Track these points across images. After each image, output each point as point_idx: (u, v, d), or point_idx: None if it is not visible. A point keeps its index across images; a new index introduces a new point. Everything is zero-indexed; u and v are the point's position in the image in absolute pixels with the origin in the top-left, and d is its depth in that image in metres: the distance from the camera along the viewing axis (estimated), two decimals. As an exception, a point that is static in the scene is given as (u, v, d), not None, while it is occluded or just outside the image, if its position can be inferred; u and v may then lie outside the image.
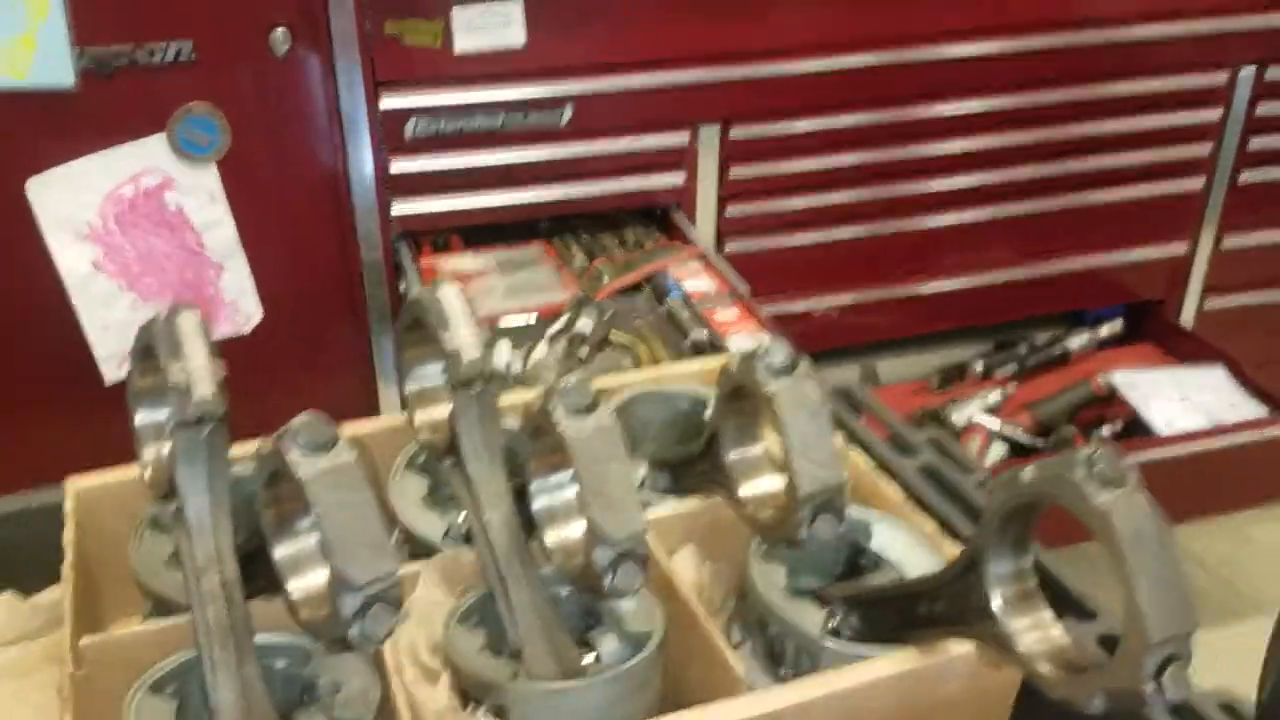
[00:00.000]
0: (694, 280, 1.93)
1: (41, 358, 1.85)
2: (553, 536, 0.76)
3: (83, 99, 1.71)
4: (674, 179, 2.07)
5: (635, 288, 1.92)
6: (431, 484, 0.91)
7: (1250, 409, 2.13)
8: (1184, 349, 2.33)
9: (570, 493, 0.74)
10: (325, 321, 2.01)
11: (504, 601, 0.75)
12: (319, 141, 1.88)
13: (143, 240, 1.85)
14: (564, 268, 1.98)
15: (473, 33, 1.87)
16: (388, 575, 0.62)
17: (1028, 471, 0.63)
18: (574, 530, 0.74)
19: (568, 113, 1.96)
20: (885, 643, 0.75)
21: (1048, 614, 0.67)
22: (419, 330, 0.79)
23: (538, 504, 0.76)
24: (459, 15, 1.85)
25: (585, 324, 1.78)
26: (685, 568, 0.84)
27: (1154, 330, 2.42)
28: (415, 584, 0.79)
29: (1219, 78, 2.26)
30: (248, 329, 1.96)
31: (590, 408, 0.70)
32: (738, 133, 2.07)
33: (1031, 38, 2.16)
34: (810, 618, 0.78)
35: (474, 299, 1.83)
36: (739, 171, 2.10)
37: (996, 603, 0.66)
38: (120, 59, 1.72)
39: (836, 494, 0.72)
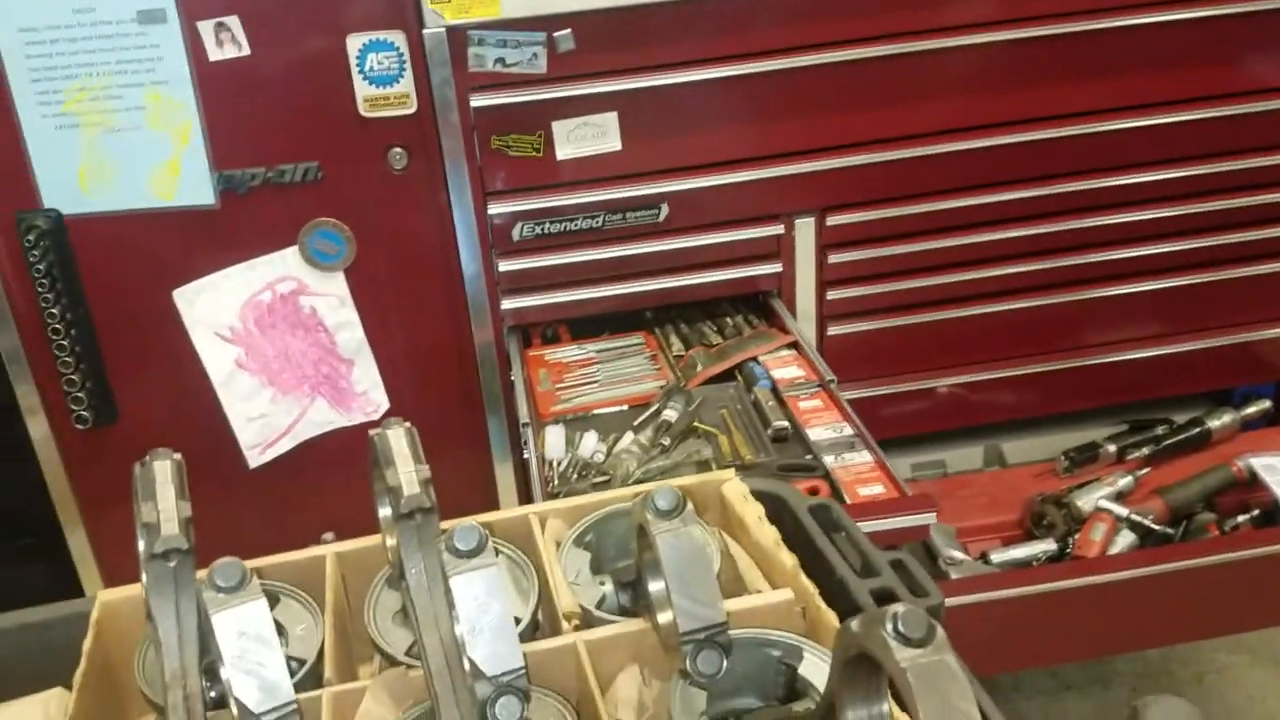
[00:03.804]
0: (783, 368, 1.96)
1: (192, 448, 2.08)
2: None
3: (222, 216, 1.94)
4: (772, 268, 2.12)
5: (728, 375, 1.98)
6: (403, 601, 0.99)
7: None
8: (1337, 431, 2.16)
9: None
10: (445, 409, 2.16)
11: (437, 717, 0.83)
12: (434, 246, 2.04)
13: (280, 340, 2.06)
14: (660, 356, 2.05)
15: (572, 142, 1.99)
16: (282, 706, 0.71)
17: (854, 623, 0.66)
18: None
19: (664, 210, 2.05)
20: (791, 774, 0.78)
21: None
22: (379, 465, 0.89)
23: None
24: (558, 128, 1.98)
25: (671, 413, 1.84)
26: (627, 687, 0.89)
27: (1305, 411, 2.25)
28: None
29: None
30: (377, 417, 2.14)
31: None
32: (834, 220, 2.10)
33: (1159, 114, 2.10)
34: (722, 744, 0.81)
35: (572, 389, 1.95)
36: (838, 258, 2.13)
37: (849, 749, 0.69)
38: (255, 179, 1.94)
39: (717, 631, 0.75)
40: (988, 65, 2.04)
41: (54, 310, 1.97)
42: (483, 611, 0.73)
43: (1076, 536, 2.08)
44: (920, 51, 1.99)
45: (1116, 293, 2.25)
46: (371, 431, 0.88)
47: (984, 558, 2.09)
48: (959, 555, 2.09)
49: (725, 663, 0.77)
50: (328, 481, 2.13)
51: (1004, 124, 2.08)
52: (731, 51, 1.96)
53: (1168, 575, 1.83)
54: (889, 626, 0.62)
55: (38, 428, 2.09)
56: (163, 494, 0.82)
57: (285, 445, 2.11)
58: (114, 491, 2.12)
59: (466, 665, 0.75)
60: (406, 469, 0.85)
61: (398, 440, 0.86)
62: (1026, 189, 2.13)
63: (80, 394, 2.02)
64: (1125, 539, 2.08)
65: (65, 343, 1.98)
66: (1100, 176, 2.15)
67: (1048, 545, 2.09)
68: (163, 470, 0.83)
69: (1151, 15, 2.02)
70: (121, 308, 2.00)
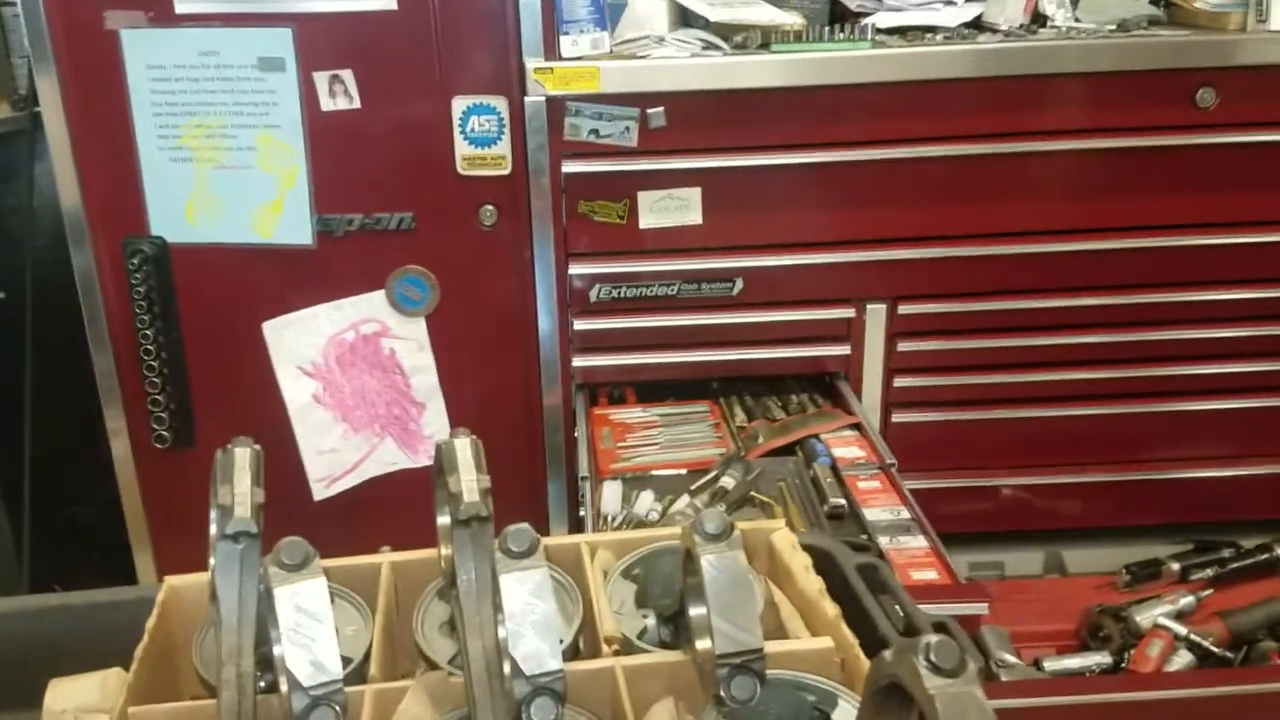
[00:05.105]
0: (845, 448, 1.97)
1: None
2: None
3: (317, 256, 2.03)
4: (840, 350, 2.15)
5: (788, 449, 1.99)
6: (451, 612, 1.02)
7: None
8: None
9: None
10: (506, 460, 2.20)
11: (474, 722, 0.85)
12: (514, 301, 2.11)
13: (358, 379, 2.13)
14: (723, 426, 2.08)
15: (655, 213, 2.06)
16: (330, 683, 0.74)
17: (888, 653, 0.67)
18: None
19: (739, 285, 2.09)
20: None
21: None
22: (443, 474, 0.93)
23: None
24: (643, 198, 2.05)
25: (729, 480, 1.86)
26: (661, 718, 0.91)
27: (1381, 546, 2.18)
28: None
29: None
30: (440, 463, 2.19)
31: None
32: (906, 309, 2.12)
33: (1242, 233, 2.12)
34: (748, 779, 0.82)
35: (633, 449, 1.98)
36: (907, 346, 2.14)
37: (875, 782, 0.69)
38: (351, 225, 2.03)
39: (754, 658, 0.77)
40: (1073, 172, 2.07)
41: (148, 332, 2.07)
42: (528, 611, 0.76)
43: (1132, 652, 2.03)
44: (1005, 154, 2.03)
45: (1191, 408, 2.23)
46: (438, 439, 0.92)
47: (1036, 664, 2.05)
48: (1011, 659, 2.04)
49: (759, 690, 0.78)
50: (387, 521, 2.16)
51: (1085, 230, 2.10)
52: (818, 140, 2.02)
53: (1226, 698, 1.77)
54: (922, 655, 0.64)
55: (120, 447, 2.18)
56: (239, 479, 0.87)
57: (350, 481, 2.17)
58: (183, 516, 2.19)
59: (507, 667, 0.77)
60: (468, 477, 0.88)
61: (463, 450, 0.91)
62: (1104, 296, 2.14)
63: (163, 414, 2.11)
64: (1182, 658, 2.02)
65: (155, 364, 2.08)
66: (1180, 290, 2.15)
67: (1102, 658, 2.04)
68: (243, 457, 0.88)
69: (1236, 135, 2.03)
70: (212, 335, 2.09)
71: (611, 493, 1.84)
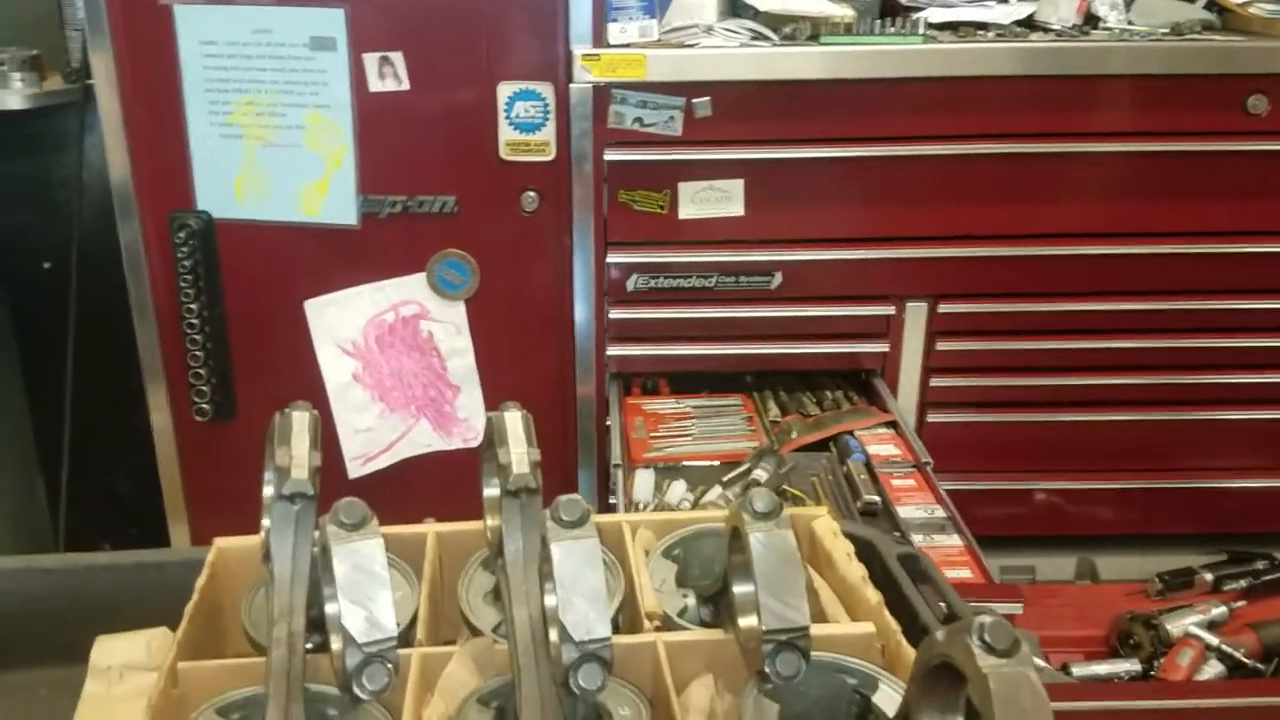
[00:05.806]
0: (879, 445, 1.97)
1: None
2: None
3: (360, 237, 2.05)
4: (878, 347, 2.14)
5: (822, 445, 1.99)
6: (495, 582, 1.03)
7: None
8: None
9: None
10: (538, 446, 2.21)
11: (517, 691, 0.86)
12: (552, 287, 2.12)
13: (396, 360, 2.14)
14: (756, 420, 2.08)
15: (696, 204, 2.06)
16: (385, 640, 0.75)
17: (939, 633, 0.67)
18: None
19: (778, 278, 2.09)
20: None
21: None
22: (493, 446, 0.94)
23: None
24: (685, 188, 2.05)
25: (761, 473, 1.86)
26: (700, 694, 0.91)
27: None
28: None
29: None
30: (475, 444, 2.20)
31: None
32: (946, 308, 2.11)
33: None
34: (790, 758, 0.82)
35: (666, 439, 1.98)
36: (946, 345, 2.14)
37: (922, 761, 0.69)
38: (395, 206, 2.05)
39: (799, 635, 0.77)
40: (1120, 175, 2.06)
41: (192, 306, 2.09)
42: (578, 579, 0.77)
43: (1162, 660, 2.01)
44: (1052, 154, 2.02)
45: (1230, 417, 2.21)
46: (489, 413, 0.93)
47: (1065, 669, 2.04)
48: (1040, 663, 2.03)
49: (804, 667, 0.78)
50: (418, 501, 2.18)
51: (1130, 234, 2.09)
52: (864, 134, 2.01)
53: (1256, 709, 1.76)
54: (975, 635, 0.64)
55: (160, 419, 2.21)
56: (297, 441, 0.88)
57: (385, 461, 2.19)
58: (220, 488, 2.22)
59: (554, 634, 0.78)
60: (519, 450, 0.89)
61: (514, 423, 0.92)
62: (1147, 301, 2.13)
63: (205, 387, 2.13)
64: (1213, 669, 2.01)
65: (198, 337, 2.10)
66: (1224, 298, 2.13)
67: (1131, 665, 2.03)
68: (300, 420, 0.89)
69: (1287, 143, 2.02)
70: (255, 311, 2.12)
71: (644, 481, 1.84)
